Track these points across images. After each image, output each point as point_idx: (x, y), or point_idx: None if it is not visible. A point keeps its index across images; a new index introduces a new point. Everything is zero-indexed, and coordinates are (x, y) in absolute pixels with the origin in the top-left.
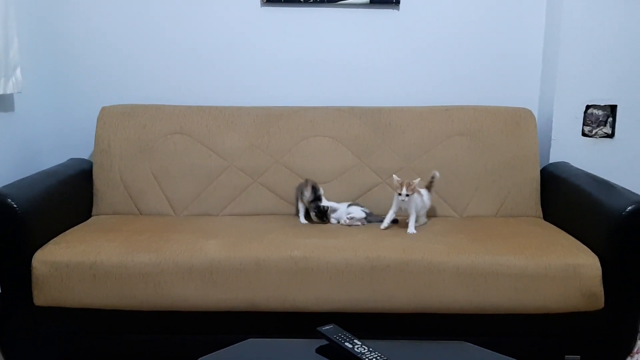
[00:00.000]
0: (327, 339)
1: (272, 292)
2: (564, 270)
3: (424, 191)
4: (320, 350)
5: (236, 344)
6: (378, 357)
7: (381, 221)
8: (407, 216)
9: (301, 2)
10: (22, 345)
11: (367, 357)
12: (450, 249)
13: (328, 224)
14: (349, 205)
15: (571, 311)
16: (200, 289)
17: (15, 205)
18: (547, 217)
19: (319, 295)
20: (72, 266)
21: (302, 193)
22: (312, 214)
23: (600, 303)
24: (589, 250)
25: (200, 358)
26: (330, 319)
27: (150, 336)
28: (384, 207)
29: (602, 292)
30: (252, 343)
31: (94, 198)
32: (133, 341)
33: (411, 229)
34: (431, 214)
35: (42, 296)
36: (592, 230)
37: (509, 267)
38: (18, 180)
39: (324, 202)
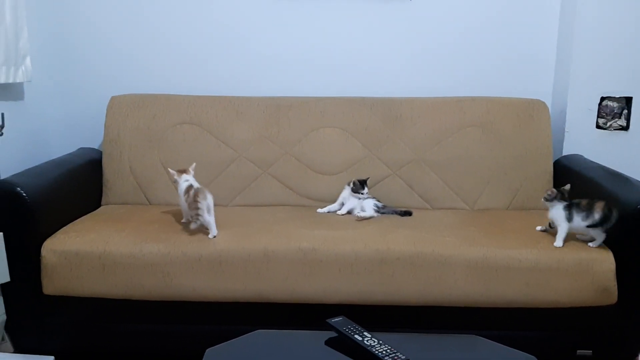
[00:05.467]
0: (336, 331)
1: (281, 284)
2: (577, 265)
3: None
4: (329, 343)
5: (244, 335)
6: (388, 350)
7: (393, 213)
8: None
9: None
10: (30, 333)
11: (377, 350)
12: (461, 241)
13: (338, 216)
14: (365, 199)
15: (583, 306)
16: (209, 279)
17: (24, 195)
18: None
19: (327, 287)
20: (81, 255)
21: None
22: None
23: (613, 298)
24: (603, 244)
25: (208, 349)
26: (339, 311)
27: (158, 326)
28: (394, 199)
29: (616, 286)
30: (260, 334)
31: (104, 188)
32: (141, 331)
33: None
34: (442, 205)
35: (51, 285)
36: None
37: (520, 260)
38: (27, 170)
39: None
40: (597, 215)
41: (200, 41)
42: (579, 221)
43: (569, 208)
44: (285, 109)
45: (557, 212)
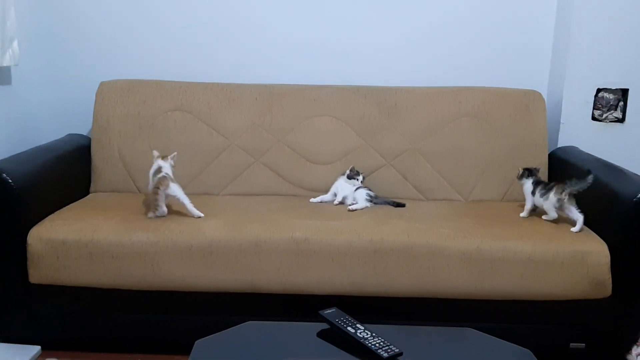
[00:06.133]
0: (329, 322)
1: (273, 274)
2: (572, 257)
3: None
4: (321, 334)
5: (234, 327)
6: (381, 343)
7: (386, 204)
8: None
9: None
10: (16, 323)
11: (370, 343)
12: (455, 233)
13: (331, 206)
14: (357, 189)
15: (577, 299)
16: (199, 269)
17: (10, 181)
18: None
19: (320, 277)
20: (68, 244)
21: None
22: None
23: (607, 291)
24: (598, 237)
25: (197, 341)
26: (332, 302)
27: (147, 316)
28: (388, 189)
29: (610, 279)
30: (251, 326)
31: (92, 175)
32: (129, 321)
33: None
34: (436, 196)
35: (38, 274)
36: (601, 217)
37: (515, 252)
38: (14, 155)
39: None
40: (551, 195)
41: (192, 25)
42: (538, 197)
43: (535, 184)
44: (279, 97)
45: (526, 187)
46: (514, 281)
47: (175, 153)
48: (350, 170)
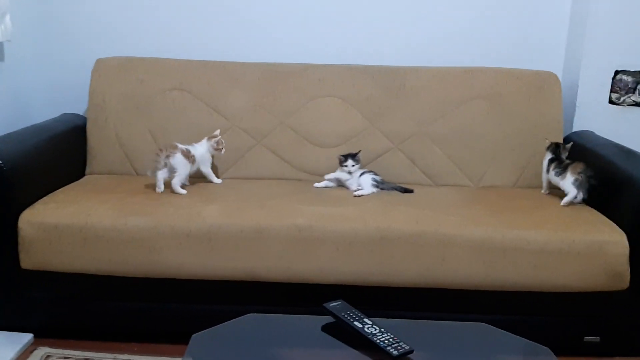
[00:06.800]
0: (334, 316)
1: (274, 262)
2: (588, 247)
3: None
4: (326, 328)
5: (233, 320)
6: (390, 339)
7: (394, 189)
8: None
9: None
10: (7, 309)
11: (378, 339)
12: (466, 221)
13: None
14: (362, 174)
15: (593, 290)
16: (198, 256)
17: (0, 162)
18: None
19: (323, 266)
20: (61, 228)
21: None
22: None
23: (625, 283)
24: (616, 226)
25: (194, 335)
26: (336, 291)
27: (143, 304)
28: (395, 174)
29: (628, 271)
30: (251, 318)
31: (88, 156)
32: (125, 309)
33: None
34: (445, 182)
35: (29, 259)
36: (619, 205)
37: (529, 242)
38: (5, 135)
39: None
40: (568, 175)
41: (192, 1)
42: (553, 175)
43: (552, 161)
44: (282, 76)
45: (544, 160)
46: (526, 272)
47: (219, 137)
48: (338, 159)
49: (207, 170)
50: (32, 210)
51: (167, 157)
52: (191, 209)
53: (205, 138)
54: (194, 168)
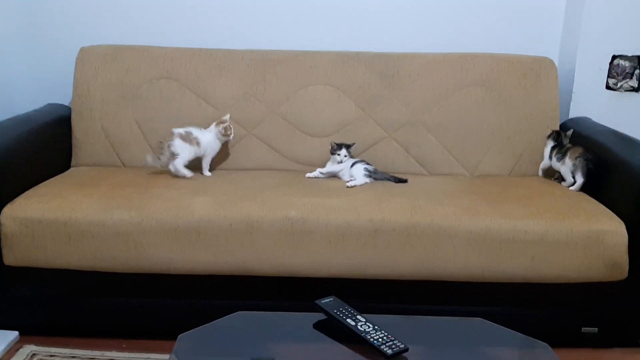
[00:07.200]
0: (326, 313)
1: (266, 256)
2: (587, 237)
3: None
4: (317, 326)
5: (222, 318)
6: (384, 337)
7: (387, 179)
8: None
9: None
10: None
11: (372, 337)
12: (461, 211)
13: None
14: (353, 165)
15: (591, 281)
16: (187, 250)
17: None
18: None
19: (316, 259)
20: (44, 223)
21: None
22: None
23: (623, 273)
24: (615, 215)
25: (181, 335)
26: (329, 285)
27: (130, 300)
28: (389, 163)
29: (627, 261)
30: (240, 316)
31: (73, 148)
32: (112, 305)
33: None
34: (440, 171)
35: (12, 255)
36: (617, 193)
37: (526, 232)
38: None
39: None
40: (567, 160)
41: None
42: (555, 161)
43: (553, 149)
44: (272, 64)
45: (545, 148)
46: (524, 263)
47: (227, 122)
48: (330, 146)
49: (208, 159)
50: (15, 205)
51: (169, 146)
52: (179, 202)
53: (214, 123)
54: (201, 152)
